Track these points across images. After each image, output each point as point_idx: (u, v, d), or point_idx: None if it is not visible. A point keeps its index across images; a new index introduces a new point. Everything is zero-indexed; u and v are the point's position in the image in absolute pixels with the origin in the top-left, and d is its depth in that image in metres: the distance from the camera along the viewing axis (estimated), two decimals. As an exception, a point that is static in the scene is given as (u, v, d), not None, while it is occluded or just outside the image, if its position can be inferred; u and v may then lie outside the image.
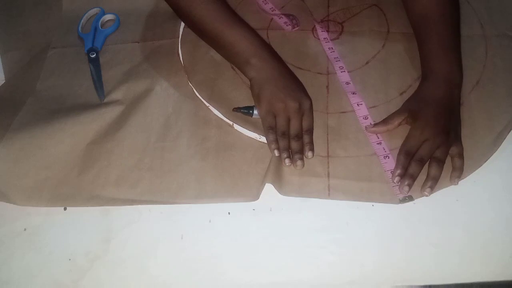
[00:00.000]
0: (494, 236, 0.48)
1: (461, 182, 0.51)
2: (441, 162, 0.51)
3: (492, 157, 0.53)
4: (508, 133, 0.55)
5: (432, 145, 0.51)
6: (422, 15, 0.59)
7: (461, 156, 0.52)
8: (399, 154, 0.52)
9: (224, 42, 0.58)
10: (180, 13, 0.62)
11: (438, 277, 0.47)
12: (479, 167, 0.52)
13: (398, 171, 0.50)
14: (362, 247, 0.49)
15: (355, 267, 0.48)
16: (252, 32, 0.58)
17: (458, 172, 0.51)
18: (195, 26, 0.61)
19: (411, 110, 0.54)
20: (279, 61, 0.58)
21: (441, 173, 0.51)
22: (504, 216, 0.50)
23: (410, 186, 0.50)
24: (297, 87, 0.56)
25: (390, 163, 0.53)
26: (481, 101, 0.57)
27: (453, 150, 0.52)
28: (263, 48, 0.57)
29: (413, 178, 0.50)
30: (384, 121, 0.55)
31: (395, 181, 0.50)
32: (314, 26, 0.66)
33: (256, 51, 0.56)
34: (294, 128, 0.54)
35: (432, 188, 0.50)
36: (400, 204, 0.50)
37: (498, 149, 0.53)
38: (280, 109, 0.54)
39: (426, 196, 0.50)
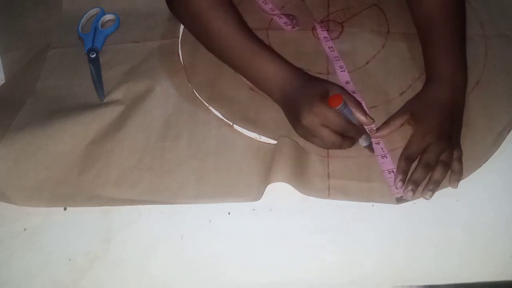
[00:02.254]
0: (494, 236, 0.48)
1: (461, 182, 0.51)
2: (446, 166, 0.50)
3: (492, 157, 0.53)
4: (508, 133, 0.55)
5: (436, 149, 0.50)
6: (427, 16, 0.58)
7: (460, 160, 0.51)
8: (400, 159, 0.52)
9: (249, 74, 0.57)
10: (200, 37, 0.60)
11: (438, 277, 0.47)
12: (479, 167, 0.52)
13: (400, 177, 0.50)
14: (362, 247, 0.48)
15: (355, 267, 0.48)
16: (277, 59, 0.55)
17: (458, 176, 0.51)
18: (212, 46, 0.60)
19: (414, 112, 0.53)
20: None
21: (444, 177, 0.50)
22: (504, 216, 0.50)
23: (414, 191, 0.50)
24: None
25: (388, 163, 0.53)
26: (481, 101, 0.57)
27: (454, 154, 0.51)
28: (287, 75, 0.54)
29: (417, 184, 0.50)
30: (386, 124, 0.54)
31: (398, 186, 0.50)
32: (314, 26, 0.66)
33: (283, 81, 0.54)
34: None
35: (434, 192, 0.50)
36: (400, 204, 0.50)
37: (498, 149, 0.53)
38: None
39: (427, 199, 0.50)
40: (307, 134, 0.52)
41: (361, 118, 0.52)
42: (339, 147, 0.52)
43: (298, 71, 0.55)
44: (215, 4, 0.57)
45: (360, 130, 0.53)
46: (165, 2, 0.62)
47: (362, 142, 0.53)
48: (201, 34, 0.59)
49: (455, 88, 0.54)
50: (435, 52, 0.56)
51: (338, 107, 0.50)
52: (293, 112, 0.52)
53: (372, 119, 0.53)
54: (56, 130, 0.56)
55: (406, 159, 0.51)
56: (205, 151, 0.56)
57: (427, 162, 0.50)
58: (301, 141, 0.54)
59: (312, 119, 0.50)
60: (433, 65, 0.56)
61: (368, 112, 0.54)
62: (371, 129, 0.55)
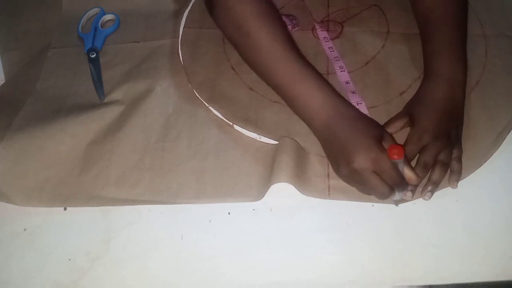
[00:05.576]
0: (494, 236, 0.48)
1: (461, 182, 0.51)
2: (445, 166, 0.50)
3: (492, 157, 0.53)
4: (508, 133, 0.55)
5: (434, 149, 0.50)
6: (428, 12, 0.58)
7: (459, 159, 0.51)
8: None
9: (287, 95, 0.53)
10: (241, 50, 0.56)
11: (438, 277, 0.47)
12: (479, 167, 0.52)
13: None
14: (362, 247, 0.49)
15: (355, 267, 0.48)
16: (321, 84, 0.51)
17: (457, 175, 0.51)
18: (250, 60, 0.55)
19: (412, 113, 0.53)
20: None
21: (443, 178, 0.50)
22: (504, 216, 0.50)
23: (413, 192, 0.50)
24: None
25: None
26: (481, 101, 0.57)
27: (454, 153, 0.51)
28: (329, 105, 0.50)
29: (416, 184, 0.50)
30: (386, 126, 0.54)
31: None
32: (314, 26, 0.66)
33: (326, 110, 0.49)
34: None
35: (433, 193, 0.50)
36: (400, 204, 0.50)
37: (498, 149, 0.53)
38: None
39: (426, 200, 0.50)
40: (353, 177, 0.47)
41: (411, 175, 0.47)
42: (386, 198, 0.48)
43: (348, 104, 0.51)
44: (262, 13, 0.53)
45: (406, 186, 0.48)
46: (166, 3, 0.62)
47: (395, 196, 0.49)
48: (243, 44, 0.55)
49: (453, 85, 0.53)
50: (433, 49, 0.56)
51: (399, 160, 0.46)
52: (340, 151, 0.47)
53: (420, 176, 0.48)
54: (56, 130, 0.56)
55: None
56: (205, 151, 0.56)
57: (425, 162, 0.50)
58: (301, 142, 0.54)
59: (366, 164, 0.45)
60: (430, 62, 0.56)
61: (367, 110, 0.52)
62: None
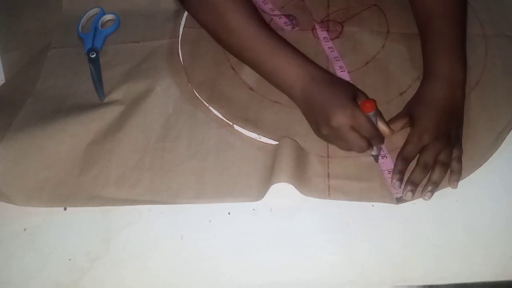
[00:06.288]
0: (494, 236, 0.48)
1: (461, 182, 0.51)
2: (445, 166, 0.50)
3: (492, 157, 0.53)
4: (508, 133, 0.55)
5: (434, 150, 0.50)
6: (427, 11, 0.58)
7: (459, 159, 0.51)
8: (396, 159, 0.52)
9: (265, 70, 0.55)
10: (213, 32, 0.58)
11: (438, 277, 0.47)
12: (479, 167, 0.52)
13: (397, 177, 0.50)
14: (362, 247, 0.49)
15: (355, 267, 0.48)
16: (295, 55, 0.54)
17: (457, 176, 0.51)
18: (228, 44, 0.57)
19: (412, 113, 0.53)
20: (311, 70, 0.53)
21: (443, 178, 0.50)
22: (504, 216, 0.50)
23: (413, 192, 0.50)
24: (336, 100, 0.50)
25: (388, 163, 0.53)
26: (481, 101, 0.57)
27: (454, 153, 0.51)
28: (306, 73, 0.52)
29: (416, 184, 0.50)
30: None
31: (395, 186, 0.50)
32: (314, 26, 0.66)
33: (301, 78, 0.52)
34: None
35: (433, 193, 0.50)
36: (400, 204, 0.50)
37: (498, 149, 0.53)
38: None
39: (426, 200, 0.50)
40: (332, 135, 0.51)
41: (383, 127, 0.51)
42: (364, 151, 0.51)
43: (323, 70, 0.53)
44: None
45: (382, 139, 0.52)
46: (166, 3, 0.62)
47: (373, 150, 0.52)
48: (217, 27, 0.56)
49: (453, 85, 0.53)
50: (432, 49, 0.56)
51: (371, 113, 0.49)
52: (319, 112, 0.50)
53: (392, 130, 0.52)
54: (56, 130, 0.56)
55: (403, 160, 0.51)
56: (205, 151, 0.56)
57: (425, 162, 0.50)
58: (301, 142, 0.54)
59: (343, 121, 0.48)
60: (429, 62, 0.56)
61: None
62: None
